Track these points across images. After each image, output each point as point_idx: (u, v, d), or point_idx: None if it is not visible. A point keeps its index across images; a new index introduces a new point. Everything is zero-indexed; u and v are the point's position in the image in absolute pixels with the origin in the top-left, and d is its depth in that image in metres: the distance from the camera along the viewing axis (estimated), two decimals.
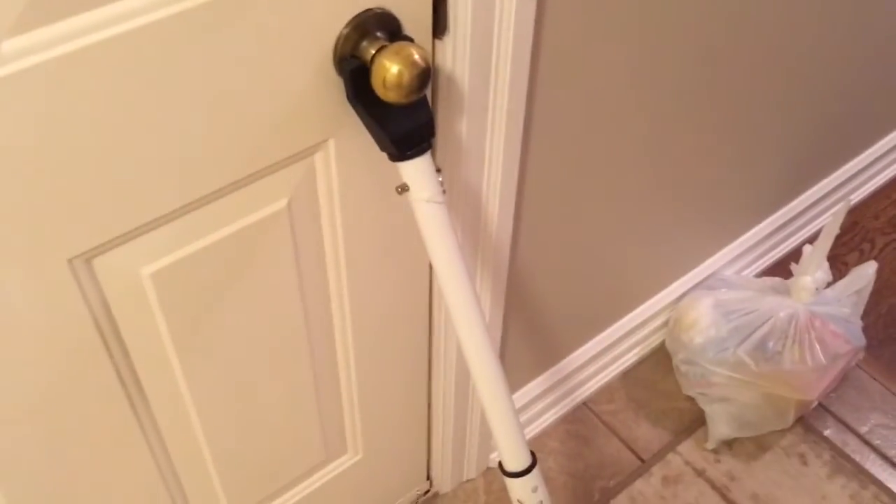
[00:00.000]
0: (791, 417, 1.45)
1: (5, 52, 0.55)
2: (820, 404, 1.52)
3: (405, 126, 0.74)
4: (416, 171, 0.76)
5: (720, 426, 1.46)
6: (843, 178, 1.75)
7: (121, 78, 0.60)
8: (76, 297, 0.70)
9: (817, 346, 1.40)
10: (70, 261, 0.67)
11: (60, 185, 0.62)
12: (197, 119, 0.67)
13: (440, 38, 0.79)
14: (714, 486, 1.43)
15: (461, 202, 0.94)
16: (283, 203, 0.79)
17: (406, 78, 0.69)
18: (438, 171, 0.78)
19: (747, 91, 1.26)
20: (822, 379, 1.42)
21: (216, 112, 0.67)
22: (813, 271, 1.44)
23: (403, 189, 0.77)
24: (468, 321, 0.82)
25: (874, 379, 1.58)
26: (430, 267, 1.00)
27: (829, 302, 1.46)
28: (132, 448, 0.86)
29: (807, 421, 1.51)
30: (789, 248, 1.76)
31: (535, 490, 0.90)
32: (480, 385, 0.86)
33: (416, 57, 0.69)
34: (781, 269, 1.69)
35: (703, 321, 1.47)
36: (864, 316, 1.51)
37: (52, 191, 0.62)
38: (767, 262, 1.73)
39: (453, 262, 0.80)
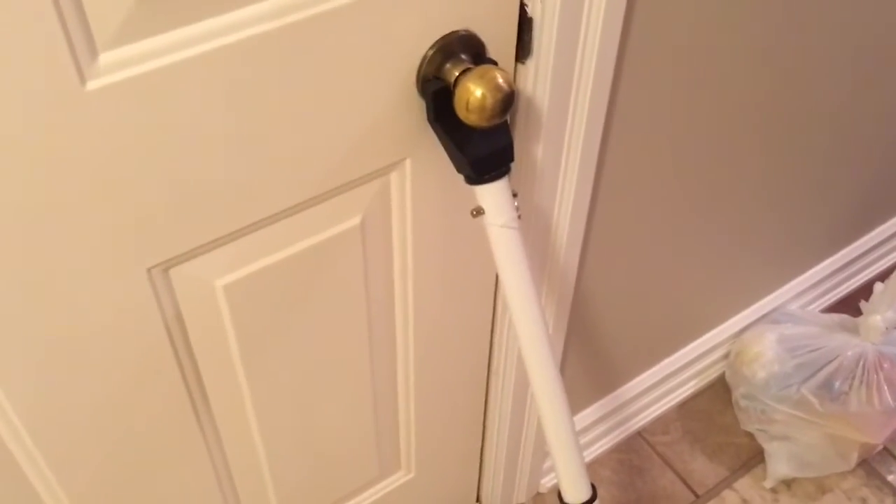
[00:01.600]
0: (854, 460, 1.41)
1: (102, 64, 0.55)
2: (885, 448, 1.47)
3: (485, 149, 0.73)
4: (492, 195, 0.75)
5: (780, 465, 1.42)
6: None
7: (210, 94, 0.61)
8: (152, 305, 0.70)
9: (885, 388, 1.36)
10: (149, 270, 0.68)
11: (147, 195, 0.63)
12: (281, 135, 0.67)
13: (522, 62, 0.78)
14: None
15: (531, 225, 0.93)
16: (356, 220, 0.79)
17: (489, 102, 0.68)
18: (515, 195, 0.77)
19: (820, 122, 1.23)
20: (889, 422, 1.38)
21: (300, 129, 0.68)
22: (884, 310, 1.40)
23: (479, 212, 0.76)
24: (536, 348, 0.81)
25: None
26: (495, 288, 1.00)
27: None
28: (193, 455, 0.86)
29: (870, 464, 1.46)
30: (858, 284, 1.71)
31: None
32: (545, 413, 0.85)
33: (501, 81, 0.68)
34: (849, 305, 1.65)
35: (767, 356, 1.44)
36: None
37: (139, 201, 0.63)
38: (834, 298, 1.69)
39: (525, 288, 0.79)
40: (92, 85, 0.55)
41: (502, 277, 0.79)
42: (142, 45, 0.56)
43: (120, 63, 0.56)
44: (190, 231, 0.68)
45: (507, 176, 0.75)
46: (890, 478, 1.45)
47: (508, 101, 0.69)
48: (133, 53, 0.56)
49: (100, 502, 0.83)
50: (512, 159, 0.75)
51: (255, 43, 0.60)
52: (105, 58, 0.55)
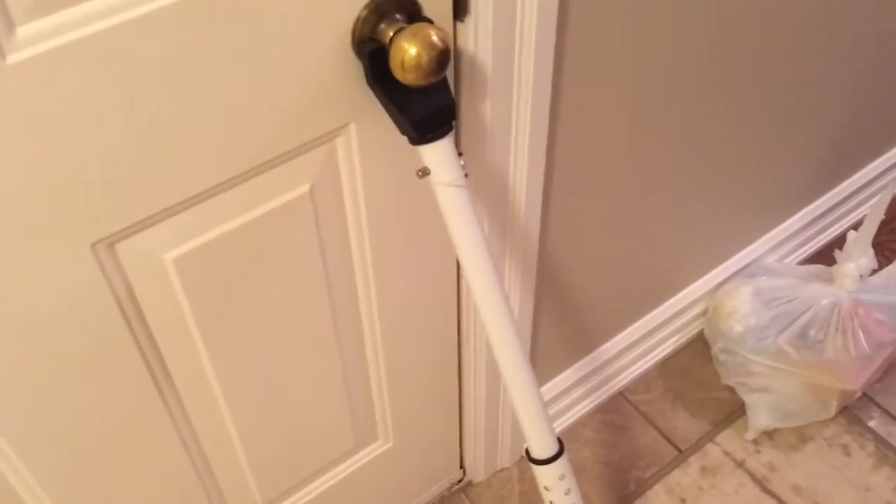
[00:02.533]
0: (834, 408, 1.42)
1: (21, 37, 0.55)
2: (864, 394, 1.48)
3: (425, 109, 0.73)
4: (436, 154, 0.75)
5: (761, 416, 1.43)
6: (889, 163, 1.70)
7: (138, 63, 0.60)
8: (100, 282, 0.71)
9: (861, 335, 1.37)
10: (93, 245, 0.68)
11: (81, 169, 0.63)
12: (217, 103, 0.67)
13: (462, 21, 0.78)
14: (754, 478, 1.40)
15: (487, 188, 0.93)
16: (305, 188, 0.79)
17: (424, 59, 0.68)
18: (460, 154, 0.77)
19: (790, 74, 1.23)
20: (865, 368, 1.38)
21: (236, 96, 0.67)
22: (857, 258, 1.40)
23: (424, 173, 0.76)
24: (491, 306, 0.81)
25: None
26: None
27: (874, 289, 1.42)
28: (161, 433, 0.87)
29: (850, 411, 1.47)
30: (833, 235, 1.71)
31: (562, 478, 0.89)
32: (505, 371, 0.85)
33: (435, 38, 0.68)
34: (825, 256, 1.65)
35: (743, 309, 1.44)
36: None
37: (75, 175, 0.63)
38: (810, 250, 1.69)
39: (476, 246, 0.79)
40: (12, 58, 0.55)
41: (453, 237, 0.79)
42: (62, 15, 0.56)
43: (40, 34, 0.56)
44: (131, 204, 0.68)
45: (450, 134, 0.75)
46: (871, 423, 1.46)
47: (444, 58, 0.69)
48: (53, 24, 0.56)
49: (71, 482, 0.83)
50: (454, 117, 0.75)
51: (183, 8, 0.60)
52: (23, 31, 0.55)
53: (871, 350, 1.37)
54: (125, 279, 0.73)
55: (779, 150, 1.38)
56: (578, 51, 0.89)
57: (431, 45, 0.68)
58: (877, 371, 1.41)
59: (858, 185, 1.67)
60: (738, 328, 1.43)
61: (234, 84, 0.67)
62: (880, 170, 1.69)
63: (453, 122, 0.75)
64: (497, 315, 0.82)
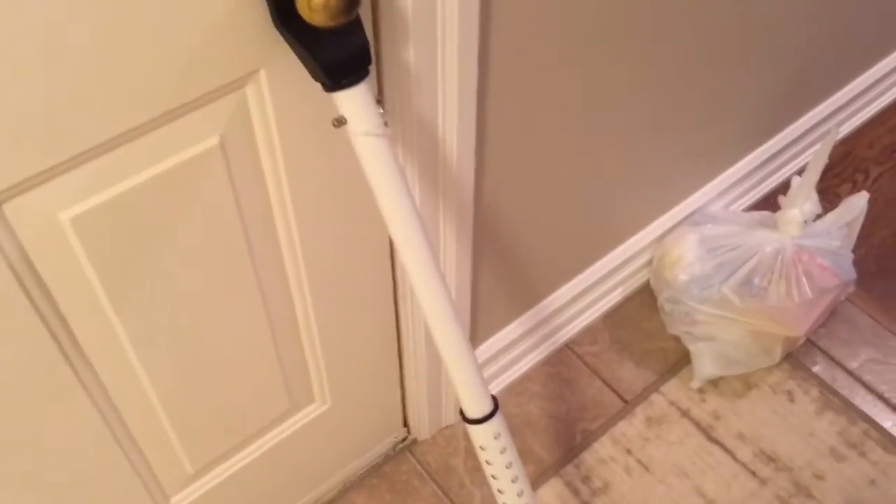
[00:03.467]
0: (778, 354, 1.41)
1: None
2: (808, 340, 1.48)
3: (338, 53, 0.68)
4: (352, 102, 0.70)
5: (705, 365, 1.42)
6: (834, 107, 1.68)
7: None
8: None
9: (804, 281, 1.36)
10: None
11: None
12: (110, 43, 0.61)
13: None
14: (699, 426, 1.40)
15: (416, 138, 0.88)
16: (214, 140, 0.74)
17: None
18: (379, 101, 0.72)
19: (729, 17, 1.19)
20: (809, 314, 1.38)
21: (130, 36, 0.62)
22: (801, 203, 1.38)
23: (340, 122, 0.71)
24: (415, 259, 0.78)
25: (864, 313, 1.53)
26: None
27: (818, 235, 1.41)
28: (74, 405, 0.82)
29: (795, 357, 1.47)
30: (779, 181, 1.70)
31: (497, 437, 0.86)
32: (434, 330, 0.82)
33: None
34: (771, 203, 1.64)
35: (688, 258, 1.42)
36: (856, 249, 1.46)
37: None
38: (756, 197, 1.68)
39: (398, 199, 0.75)
40: None
41: (373, 189, 0.75)
42: None
43: None
44: (20, 159, 0.62)
45: (365, 80, 0.70)
46: (815, 369, 1.46)
47: None
48: None
49: None
50: (370, 62, 0.70)
51: None
52: None
53: (814, 296, 1.36)
54: (17, 241, 0.68)
55: (723, 94, 1.35)
56: None
57: None
58: (820, 316, 1.41)
59: (803, 129, 1.65)
60: (682, 277, 1.41)
61: (129, 21, 0.61)
62: (824, 114, 1.67)
63: (369, 67, 0.70)
64: (423, 271, 0.78)
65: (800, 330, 1.39)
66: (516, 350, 1.40)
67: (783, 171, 1.70)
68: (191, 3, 0.63)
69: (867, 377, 1.45)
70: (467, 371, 0.83)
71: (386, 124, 0.72)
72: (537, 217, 1.21)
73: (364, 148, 0.72)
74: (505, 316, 1.34)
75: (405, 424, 1.35)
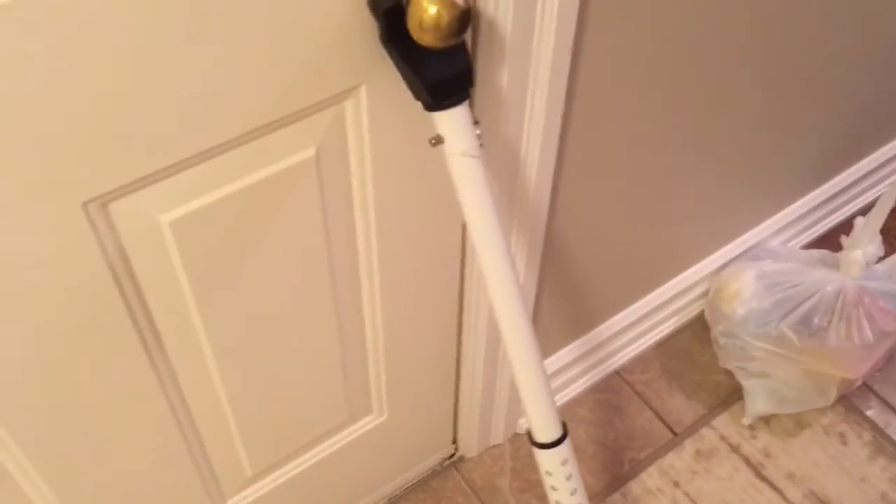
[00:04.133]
0: (833, 396, 1.40)
1: None
2: (864, 383, 1.47)
3: (442, 73, 0.69)
4: (451, 122, 0.71)
5: (758, 402, 1.41)
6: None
7: (142, 8, 0.56)
8: (91, 243, 0.67)
9: (865, 323, 1.34)
10: (85, 204, 0.64)
11: (76, 124, 0.59)
12: (222, 56, 0.62)
13: None
14: (749, 463, 1.38)
15: (499, 157, 0.89)
16: (311, 152, 0.75)
17: (445, 19, 0.64)
18: (476, 123, 0.73)
19: (799, 54, 1.19)
20: (868, 357, 1.36)
21: (242, 50, 0.63)
22: (864, 245, 1.37)
23: (438, 141, 0.72)
24: (500, 282, 0.78)
25: None
26: (464, 222, 0.96)
27: (880, 277, 1.40)
28: (149, 401, 0.83)
29: (848, 400, 1.45)
30: (839, 220, 1.68)
31: (564, 463, 0.86)
32: (512, 351, 0.82)
33: None
34: (830, 241, 1.62)
35: (746, 292, 1.42)
36: None
37: (68, 130, 0.59)
38: (815, 234, 1.67)
39: (487, 220, 0.75)
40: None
41: (464, 209, 0.75)
42: None
43: None
44: (128, 162, 0.64)
45: (466, 101, 0.71)
46: (869, 413, 1.44)
47: (465, 18, 0.65)
48: None
49: (57, 451, 0.80)
50: (472, 83, 0.71)
51: None
52: None
53: (874, 339, 1.34)
54: (118, 241, 0.69)
55: (786, 132, 1.34)
56: (600, 22, 0.85)
57: (453, 4, 0.64)
58: (879, 360, 1.39)
59: (865, 170, 1.63)
60: (740, 311, 1.40)
61: (241, 36, 0.62)
62: (888, 156, 1.65)
63: (471, 89, 0.71)
64: (505, 292, 0.78)
65: (857, 373, 1.37)
66: (568, 374, 1.40)
67: (843, 210, 1.68)
68: (305, 19, 0.65)
69: None
70: (541, 395, 0.83)
71: (481, 145, 0.73)
72: (601, 244, 1.21)
73: (459, 168, 0.73)
74: (560, 339, 1.34)
75: (454, 441, 1.35)
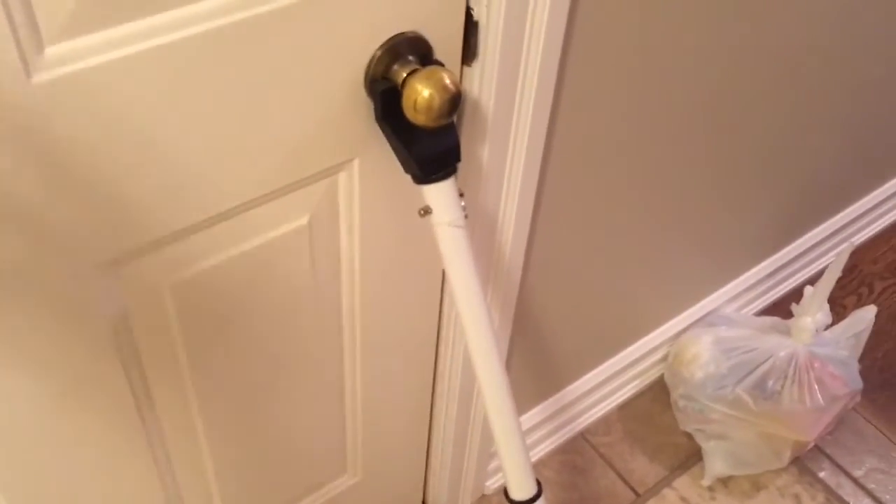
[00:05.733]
0: (787, 457, 1.45)
1: (49, 57, 0.55)
2: (816, 446, 1.52)
3: (432, 149, 0.74)
4: (439, 194, 0.76)
5: (716, 463, 1.46)
6: (844, 222, 1.76)
7: (156, 91, 0.61)
8: (97, 303, 0.70)
9: (816, 388, 1.41)
10: (96, 266, 0.67)
11: (92, 191, 0.62)
12: (225, 132, 0.67)
13: (468, 65, 0.80)
14: None
15: (477, 224, 0.94)
16: (304, 220, 0.80)
17: (437, 102, 0.69)
18: (461, 195, 0.78)
19: (749, 133, 1.27)
20: (819, 420, 1.43)
21: (246, 127, 0.68)
22: (814, 312, 1.45)
23: (426, 212, 0.77)
24: (482, 345, 0.82)
25: (869, 423, 1.58)
26: (442, 288, 1.01)
27: (828, 344, 1.47)
28: (136, 455, 0.85)
29: (802, 462, 1.51)
30: (789, 287, 1.77)
31: None
32: (492, 411, 0.86)
33: (448, 81, 0.70)
34: (782, 308, 1.70)
35: (704, 357, 1.48)
36: (861, 359, 1.52)
37: (84, 197, 0.62)
38: (768, 301, 1.74)
39: (471, 286, 0.80)
40: (38, 78, 0.55)
41: (449, 275, 0.80)
42: (90, 38, 0.56)
43: (67, 56, 0.56)
44: (137, 230, 0.67)
45: (453, 176, 0.76)
46: (821, 474, 1.50)
47: (455, 101, 0.70)
48: (81, 47, 0.56)
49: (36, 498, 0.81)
50: (459, 159, 0.76)
51: (202, 40, 0.61)
52: (51, 51, 0.55)
53: (825, 402, 1.41)
54: (121, 301, 0.72)
55: (738, 207, 1.43)
56: (574, 98, 0.92)
57: (444, 87, 0.70)
58: (829, 423, 1.46)
59: (814, 241, 1.73)
60: (699, 375, 1.46)
61: (245, 114, 0.67)
62: (836, 227, 1.75)
63: (457, 164, 0.76)
64: (487, 356, 0.83)
65: (810, 435, 1.43)
66: (535, 435, 1.44)
67: (793, 278, 1.77)
68: (309, 100, 0.70)
69: (871, 486, 1.49)
70: (518, 452, 0.87)
71: (466, 216, 0.78)
72: (570, 307, 1.26)
73: (445, 237, 0.78)
74: (529, 400, 1.38)
75: (424, 501, 1.37)
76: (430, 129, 0.72)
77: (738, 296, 1.64)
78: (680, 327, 1.56)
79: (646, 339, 1.53)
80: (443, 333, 1.06)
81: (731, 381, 1.43)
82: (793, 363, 1.42)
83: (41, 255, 0.63)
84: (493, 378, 0.83)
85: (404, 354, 1.05)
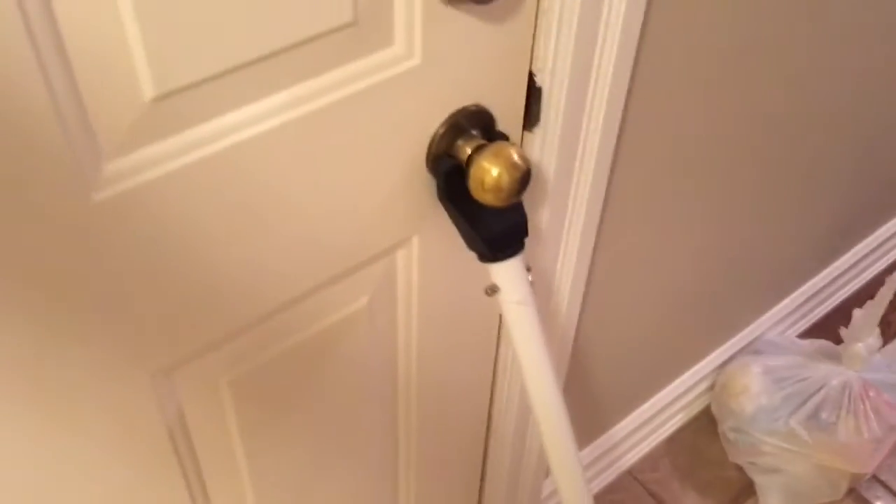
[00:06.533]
0: (843, 489, 1.41)
1: (107, 174, 0.51)
2: (873, 475, 1.48)
3: (499, 227, 0.70)
4: (507, 272, 0.72)
5: (771, 497, 1.42)
6: (886, 236, 1.72)
7: (219, 193, 0.57)
8: (154, 408, 0.66)
9: (872, 417, 1.36)
10: (153, 374, 0.63)
11: (153, 302, 0.59)
12: (291, 227, 0.63)
13: (530, 131, 0.75)
14: None
15: (535, 282, 0.90)
16: (363, 302, 0.76)
17: (506, 181, 0.65)
18: (528, 269, 0.74)
19: (792, 156, 1.23)
20: (877, 451, 1.38)
21: (308, 218, 0.64)
22: (864, 337, 1.40)
23: (493, 290, 0.73)
24: (554, 421, 0.79)
25: None
26: (498, 340, 0.96)
27: (881, 368, 1.43)
28: None
29: (857, 492, 1.47)
30: (832, 305, 1.73)
31: None
32: (562, 481, 0.82)
33: (517, 159, 0.65)
34: (825, 327, 1.66)
35: (753, 388, 1.43)
36: None
37: (144, 308, 0.58)
38: (811, 322, 1.70)
39: (542, 362, 0.76)
40: (98, 196, 0.51)
41: (518, 352, 0.76)
42: (149, 150, 0.52)
43: (126, 172, 0.52)
44: (196, 333, 0.64)
45: (521, 252, 0.72)
46: (877, 503, 1.46)
47: (525, 179, 0.66)
48: (140, 160, 0.52)
49: None
50: (526, 235, 0.72)
51: (262, 139, 0.57)
52: (110, 167, 0.51)
53: (882, 433, 1.36)
54: (178, 404, 0.68)
55: (783, 230, 1.38)
56: (631, 159, 0.88)
57: (514, 165, 0.65)
58: (888, 453, 1.41)
59: (857, 258, 1.68)
60: (749, 407, 1.42)
61: (308, 206, 0.63)
62: (877, 242, 1.71)
63: (525, 240, 0.72)
64: (555, 422, 0.79)
65: (868, 467, 1.39)
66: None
67: (835, 297, 1.73)
68: (369, 183, 0.66)
69: None
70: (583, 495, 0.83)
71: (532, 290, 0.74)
72: (618, 353, 1.22)
73: (514, 315, 0.74)
74: (578, 442, 1.34)
75: None
76: (497, 207, 0.68)
77: (782, 319, 1.60)
78: (725, 356, 1.51)
79: (691, 370, 1.48)
80: (496, 401, 1.02)
81: (783, 413, 1.39)
82: (847, 392, 1.37)
83: (100, 367, 0.59)
84: (562, 450, 0.79)
85: (458, 414, 1.01)
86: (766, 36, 0.94)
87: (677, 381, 1.47)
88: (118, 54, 0.47)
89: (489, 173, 0.65)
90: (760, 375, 1.44)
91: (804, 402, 1.39)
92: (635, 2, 0.70)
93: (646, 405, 1.43)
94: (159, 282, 0.58)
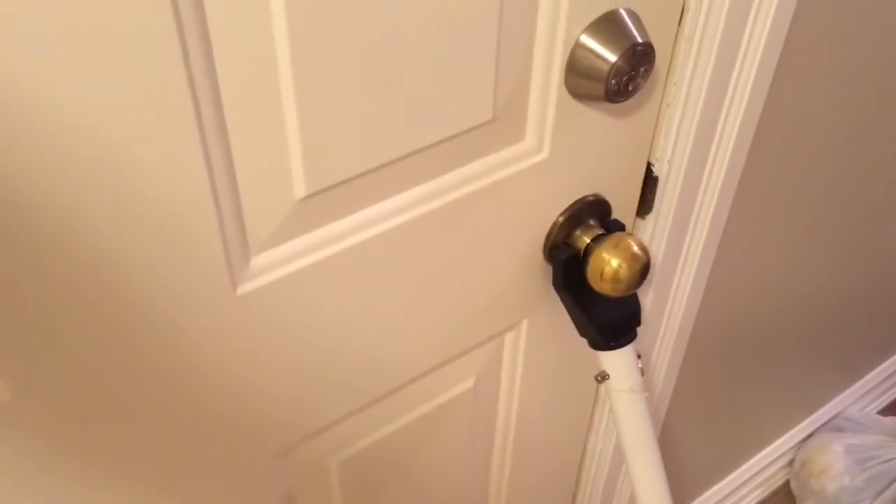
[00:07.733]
0: None
1: (254, 267, 0.52)
2: None
3: (613, 316, 0.70)
4: (618, 360, 0.72)
5: None
6: None
7: (352, 284, 0.58)
8: (272, 486, 0.66)
9: None
10: (274, 454, 0.64)
11: (280, 388, 0.59)
12: (414, 313, 0.64)
13: (642, 218, 0.76)
14: None
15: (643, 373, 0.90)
16: (470, 383, 0.76)
17: (625, 273, 0.65)
18: (638, 356, 0.73)
19: (873, 228, 1.21)
20: None
21: (424, 305, 0.64)
22: None
23: (603, 377, 0.73)
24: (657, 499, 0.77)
25: None
26: (587, 431, 0.96)
27: None
28: None
29: None
30: None
31: None
32: None
33: (637, 250, 0.65)
34: None
35: (836, 468, 1.40)
36: None
37: (272, 393, 0.59)
38: (892, 398, 1.65)
39: (650, 451, 0.75)
40: (242, 289, 0.52)
41: (624, 439, 0.75)
42: (294, 243, 0.53)
43: (271, 265, 0.53)
44: (316, 415, 0.64)
45: (633, 341, 0.72)
46: None
47: (645, 271, 0.66)
48: (285, 254, 0.53)
49: None
50: (639, 324, 0.72)
51: (399, 230, 0.58)
52: (257, 261, 0.52)
53: None
54: (291, 483, 0.69)
55: (866, 304, 1.36)
56: (733, 248, 0.88)
57: (634, 257, 0.65)
58: None
59: None
60: (831, 487, 1.38)
61: (426, 293, 0.64)
62: None
63: (638, 329, 0.72)
64: None
65: None
66: None
67: None
68: (487, 272, 0.66)
69: None
70: None
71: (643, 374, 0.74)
72: (700, 433, 1.21)
73: (624, 404, 0.73)
74: None
75: None
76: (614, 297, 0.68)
77: (862, 396, 1.56)
78: (805, 433, 1.48)
79: (771, 447, 1.45)
80: (582, 480, 1.01)
81: (867, 495, 1.35)
82: None
83: (228, 448, 0.60)
84: None
85: (549, 480, 1.00)
86: (871, 124, 0.94)
87: (756, 458, 1.44)
88: (277, 153, 0.48)
89: (609, 264, 0.65)
90: (842, 455, 1.41)
91: (889, 485, 1.35)
92: (757, 94, 0.70)
93: (724, 482, 1.40)
94: (288, 368, 0.59)
